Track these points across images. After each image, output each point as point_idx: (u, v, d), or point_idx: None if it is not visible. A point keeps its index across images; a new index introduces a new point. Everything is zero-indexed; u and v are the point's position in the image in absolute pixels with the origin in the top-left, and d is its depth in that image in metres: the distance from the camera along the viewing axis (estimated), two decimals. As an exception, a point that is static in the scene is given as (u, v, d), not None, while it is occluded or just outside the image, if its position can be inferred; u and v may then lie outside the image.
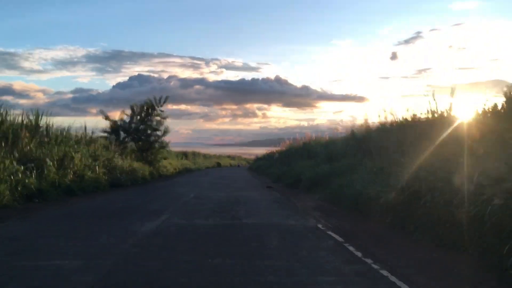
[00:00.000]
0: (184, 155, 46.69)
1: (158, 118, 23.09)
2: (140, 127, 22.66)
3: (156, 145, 23.20)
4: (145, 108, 22.70)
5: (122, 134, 22.38)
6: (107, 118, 22.02)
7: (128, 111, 22.72)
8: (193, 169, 37.46)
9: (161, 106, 22.96)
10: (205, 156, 63.37)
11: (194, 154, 56.58)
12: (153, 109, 22.79)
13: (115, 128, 22.00)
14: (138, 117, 22.60)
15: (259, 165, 35.23)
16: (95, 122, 25.49)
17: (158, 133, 23.31)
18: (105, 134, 21.69)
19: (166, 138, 23.89)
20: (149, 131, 22.97)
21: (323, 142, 20.95)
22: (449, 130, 7.61)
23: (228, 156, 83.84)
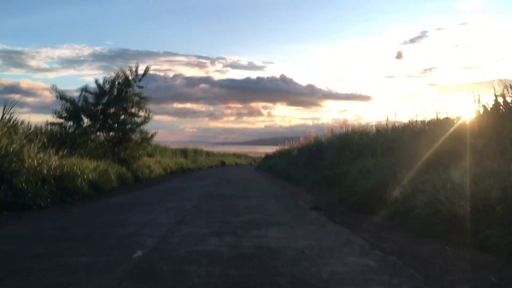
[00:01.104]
0: (184, 152, 40.15)
1: (136, 98, 16.46)
2: (110, 111, 16.01)
3: (134, 136, 16.56)
4: (117, 83, 16.06)
5: (86, 121, 15.80)
6: (62, 96, 15.39)
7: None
8: (192, 169, 30.84)
9: (140, 80, 16.34)
10: (208, 154, 56.81)
11: (196, 152, 50.03)
12: (128, 84, 16.14)
13: (75, 110, 15.38)
14: (107, 97, 15.94)
15: (272, 165, 28.52)
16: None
17: (137, 120, 16.69)
18: (60, 120, 15.17)
19: (153, 130, 17.32)
20: (123, 117, 16.34)
21: (372, 135, 14.03)
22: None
23: (234, 154, 77.07)
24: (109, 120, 16.05)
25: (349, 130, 16.61)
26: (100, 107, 15.75)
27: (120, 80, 15.80)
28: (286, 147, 33.50)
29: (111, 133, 16.31)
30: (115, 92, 15.82)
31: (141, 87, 16.33)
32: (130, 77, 15.99)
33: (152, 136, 17.90)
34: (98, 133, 16.14)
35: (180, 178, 20.70)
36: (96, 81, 15.73)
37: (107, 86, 15.76)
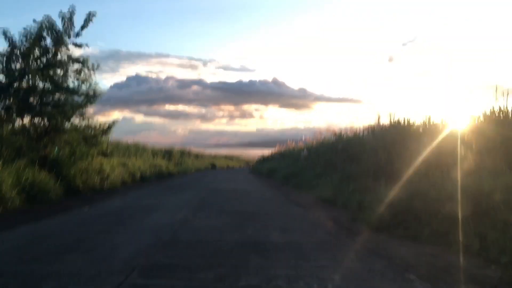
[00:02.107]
0: (168, 154, 34.19)
1: (77, 66, 10.57)
2: (29, 83, 10.06)
3: (68, 124, 10.66)
4: (42, 43, 10.12)
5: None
6: None
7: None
8: (174, 174, 24.91)
9: (78, 36, 10.43)
10: (197, 156, 50.81)
11: (183, 153, 44.11)
12: (60, 42, 10.20)
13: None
14: (24, 62, 9.99)
15: (272, 168, 22.65)
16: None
17: (77, 99, 10.77)
18: None
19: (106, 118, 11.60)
20: (53, 94, 10.41)
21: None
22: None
23: (225, 157, 71.01)
24: (30, 98, 10.11)
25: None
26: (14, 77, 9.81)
27: (45, 34, 9.86)
28: (288, 147, 27.84)
29: (36, 119, 10.38)
30: (37, 53, 9.88)
31: (79, 46, 10.39)
32: (61, 29, 10.05)
33: (110, 127, 12.08)
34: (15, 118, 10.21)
35: (152, 187, 14.81)
36: (5, 33, 9.73)
37: (23, 43, 9.80)
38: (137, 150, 25.29)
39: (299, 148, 22.75)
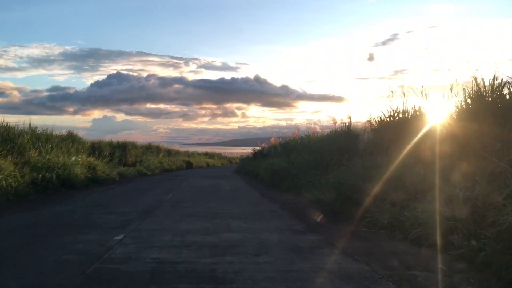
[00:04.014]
0: (121, 148, 25.21)
1: None
2: None
3: None
4: None
5: None
6: None
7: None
8: (108, 179, 15.77)
9: None
10: (170, 153, 41.71)
11: (150, 148, 35.22)
12: None
13: None
14: None
15: (276, 170, 14.11)
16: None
17: None
18: None
19: None
20: None
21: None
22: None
23: (205, 154, 61.77)
24: None
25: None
26: None
27: None
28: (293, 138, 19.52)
29: None
30: None
31: None
32: None
33: None
34: None
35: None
36: None
37: None
38: (63, 140, 16.35)
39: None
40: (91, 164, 13.99)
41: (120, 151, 24.39)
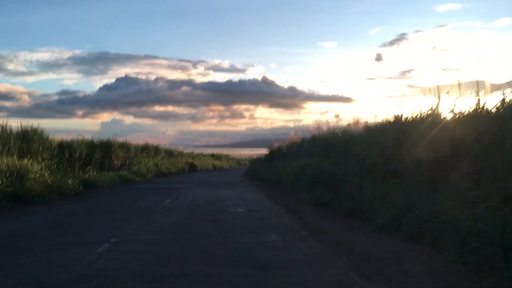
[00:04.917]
0: (102, 148, 20.03)
1: None
2: None
3: None
4: None
5: None
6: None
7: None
8: (29, 197, 10.47)
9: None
10: (171, 154, 36.61)
11: (147, 149, 30.23)
12: None
13: None
14: None
15: (315, 176, 8.89)
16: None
17: None
18: None
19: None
20: None
21: None
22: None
23: (212, 155, 56.42)
24: None
25: None
26: None
27: None
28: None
29: None
30: None
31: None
32: None
33: None
34: None
35: None
36: None
37: None
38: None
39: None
40: (21, 170, 8.79)
41: (101, 152, 19.29)
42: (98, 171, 17.94)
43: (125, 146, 24.86)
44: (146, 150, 29.88)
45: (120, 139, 25.02)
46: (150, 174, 22.20)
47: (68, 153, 16.26)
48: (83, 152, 17.22)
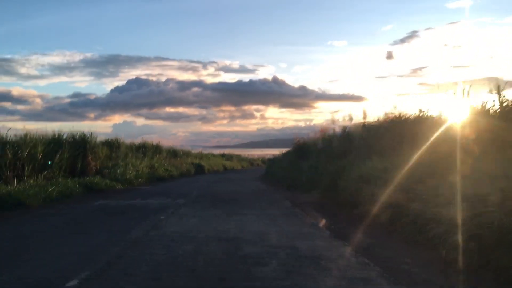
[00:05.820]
0: (72, 146, 14.83)
1: None
2: None
3: None
4: None
5: None
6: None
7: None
8: None
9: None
10: (176, 154, 31.42)
11: (145, 147, 25.19)
12: None
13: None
14: None
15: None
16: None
17: None
18: None
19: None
20: None
21: None
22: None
23: (223, 155, 51.12)
24: None
25: None
26: None
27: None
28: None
29: None
30: None
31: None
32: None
33: None
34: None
35: None
36: None
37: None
38: None
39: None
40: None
41: (72, 152, 14.12)
42: (63, 176, 12.86)
43: (114, 144, 19.80)
44: (144, 148, 24.84)
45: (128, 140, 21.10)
46: (140, 179, 17.02)
47: (11, 153, 11.18)
48: (37, 152, 12.11)
